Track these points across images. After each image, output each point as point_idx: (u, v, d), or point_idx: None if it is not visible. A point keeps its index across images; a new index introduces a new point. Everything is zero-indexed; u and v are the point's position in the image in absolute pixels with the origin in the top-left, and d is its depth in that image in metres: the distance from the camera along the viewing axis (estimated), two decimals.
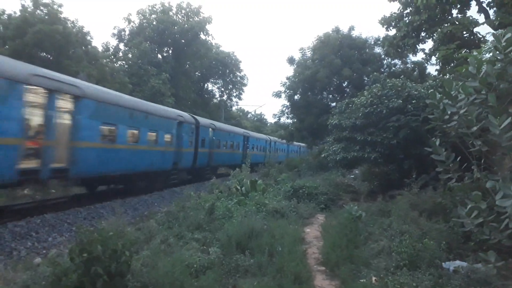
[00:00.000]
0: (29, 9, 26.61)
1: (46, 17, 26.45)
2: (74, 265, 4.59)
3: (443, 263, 6.35)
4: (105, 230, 4.79)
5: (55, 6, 27.63)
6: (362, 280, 6.05)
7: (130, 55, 38.87)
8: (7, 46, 24.75)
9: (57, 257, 6.62)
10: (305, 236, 9.38)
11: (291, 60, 29.04)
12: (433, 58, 17.84)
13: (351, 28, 28.07)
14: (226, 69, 54.83)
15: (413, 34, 17.37)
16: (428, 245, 6.61)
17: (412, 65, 25.97)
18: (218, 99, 57.37)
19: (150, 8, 43.22)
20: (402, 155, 13.34)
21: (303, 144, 59.17)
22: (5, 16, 27.00)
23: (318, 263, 7.35)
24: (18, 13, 26.44)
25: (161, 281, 5.01)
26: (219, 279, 5.80)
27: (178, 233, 8.31)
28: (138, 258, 5.75)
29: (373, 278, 6.07)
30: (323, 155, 16.01)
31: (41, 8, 27.17)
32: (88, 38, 30.07)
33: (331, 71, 25.73)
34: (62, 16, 27.71)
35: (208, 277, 5.54)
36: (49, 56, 26.59)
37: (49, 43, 25.28)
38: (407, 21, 17.36)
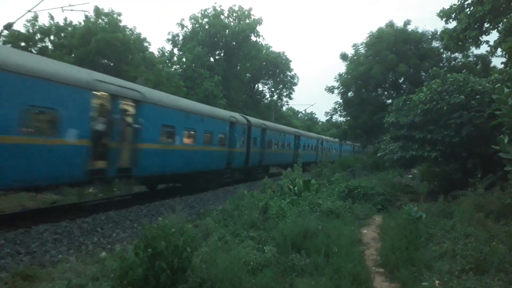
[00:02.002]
0: (91, 19, 28.35)
1: (107, 26, 28.04)
2: (139, 259, 4.82)
3: None
4: (167, 227, 4.99)
5: (115, 15, 29.22)
6: (424, 283, 5.82)
7: (184, 59, 40.14)
8: (73, 55, 26.54)
9: (122, 252, 7.00)
10: (362, 237, 9.18)
11: (344, 57, 28.52)
12: (499, 50, 16.66)
13: (407, 23, 27.02)
14: (277, 69, 54.94)
15: (476, 26, 16.32)
16: (497, 249, 6.24)
17: (475, 59, 24.47)
18: (269, 99, 57.63)
19: (202, 12, 44.38)
20: (465, 153, 12.63)
21: (332, 139, 47.90)
22: (70, 28, 28.99)
23: (376, 264, 7.17)
24: (82, 23, 28.28)
25: (220, 277, 5.14)
26: (276, 278, 5.83)
27: (233, 231, 8.47)
28: (197, 254, 5.94)
29: (436, 282, 5.82)
30: (379, 154, 15.54)
31: (102, 17, 28.85)
32: (146, 44, 31.46)
33: (386, 67, 24.96)
34: (121, 24, 29.26)
35: (265, 275, 5.59)
36: (110, 62, 28.15)
37: (110, 50, 26.77)
38: (469, 12, 16.34)
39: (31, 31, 27.61)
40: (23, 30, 27.21)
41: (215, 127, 19.36)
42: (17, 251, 8.10)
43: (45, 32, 28.26)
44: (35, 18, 27.53)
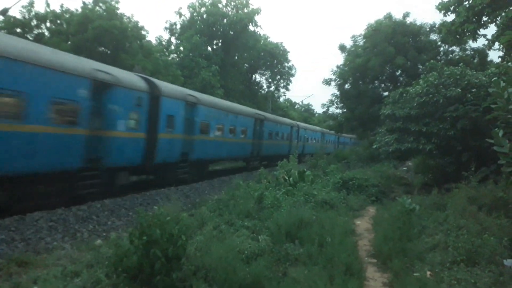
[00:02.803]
0: (89, 6, 28.04)
1: (105, 13, 27.74)
2: (133, 247, 4.86)
3: (504, 260, 6.02)
4: (163, 215, 5.02)
5: (113, 3, 28.91)
6: (416, 274, 5.89)
7: (181, 48, 39.84)
8: (69, 42, 26.26)
9: (117, 239, 7.03)
10: (356, 228, 9.28)
11: (342, 48, 28.44)
12: (496, 44, 16.65)
13: (406, 15, 26.95)
14: (274, 60, 54.62)
15: (474, 19, 16.28)
16: (488, 241, 6.31)
17: (472, 52, 24.50)
18: (266, 90, 57.44)
19: (199, 1, 43.92)
20: (460, 146, 12.71)
21: (313, 127, 44.58)
22: (67, 15, 28.65)
23: (369, 255, 7.26)
24: (79, 10, 27.96)
25: (214, 266, 5.19)
26: (270, 266, 5.90)
27: (228, 220, 8.53)
28: (192, 243, 5.98)
29: (428, 273, 5.89)
30: (374, 146, 15.61)
31: (100, 5, 28.54)
32: (144, 32, 31.18)
33: (384, 59, 24.91)
34: (119, 12, 28.94)
35: (259, 263, 5.65)
36: (107, 50, 27.89)
37: (107, 38, 26.48)
38: (467, 5, 16.29)
39: (27, 17, 27.28)
40: (19, 16, 26.90)
41: (36, 85, 9.56)
42: (12, 237, 8.12)
43: (42, 18, 27.94)
44: (31, 3, 27.19)
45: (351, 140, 57.38)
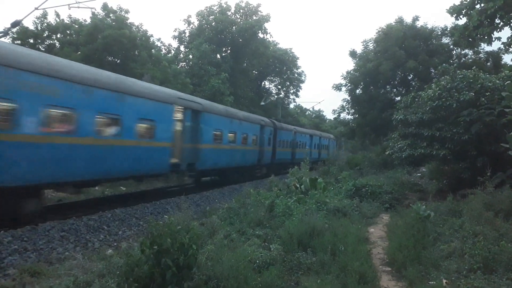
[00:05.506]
0: (99, 16, 28.43)
1: (114, 23, 28.09)
2: (145, 256, 4.82)
3: None
4: (173, 224, 4.98)
5: (122, 12, 29.30)
6: (431, 282, 5.77)
7: (190, 56, 40.06)
8: (79, 52, 26.61)
9: (128, 249, 7.02)
10: (369, 236, 9.14)
11: (353, 54, 28.36)
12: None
13: (415, 19, 26.83)
14: (284, 67, 54.63)
15: (487, 22, 16.04)
16: (506, 248, 6.18)
17: (485, 55, 24.19)
18: (275, 97, 57.36)
19: (208, 9, 44.16)
20: (475, 151, 12.47)
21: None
22: (76, 25, 29.08)
23: (383, 263, 7.13)
24: (88, 21, 28.35)
25: (226, 275, 5.12)
26: (282, 276, 5.81)
27: (239, 229, 8.46)
28: (203, 252, 5.92)
29: (444, 281, 5.76)
30: (387, 153, 15.41)
31: (111, 15, 28.92)
32: (157, 43, 31.47)
33: (395, 63, 24.76)
34: (128, 21, 29.28)
35: (271, 273, 5.56)
36: (116, 60, 28.18)
37: (117, 47, 26.74)
38: (479, 8, 16.06)
39: (39, 28, 27.77)
40: (31, 27, 27.38)
41: None
42: (25, 248, 8.16)
43: (53, 29, 28.40)
44: (44, 15, 27.67)
45: (325, 141, 46.57)
